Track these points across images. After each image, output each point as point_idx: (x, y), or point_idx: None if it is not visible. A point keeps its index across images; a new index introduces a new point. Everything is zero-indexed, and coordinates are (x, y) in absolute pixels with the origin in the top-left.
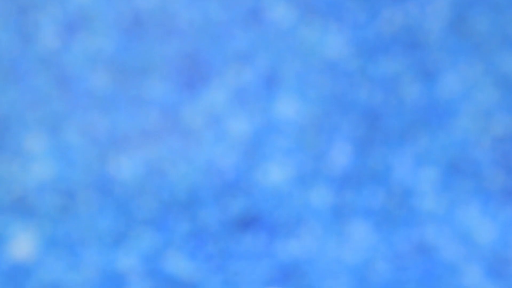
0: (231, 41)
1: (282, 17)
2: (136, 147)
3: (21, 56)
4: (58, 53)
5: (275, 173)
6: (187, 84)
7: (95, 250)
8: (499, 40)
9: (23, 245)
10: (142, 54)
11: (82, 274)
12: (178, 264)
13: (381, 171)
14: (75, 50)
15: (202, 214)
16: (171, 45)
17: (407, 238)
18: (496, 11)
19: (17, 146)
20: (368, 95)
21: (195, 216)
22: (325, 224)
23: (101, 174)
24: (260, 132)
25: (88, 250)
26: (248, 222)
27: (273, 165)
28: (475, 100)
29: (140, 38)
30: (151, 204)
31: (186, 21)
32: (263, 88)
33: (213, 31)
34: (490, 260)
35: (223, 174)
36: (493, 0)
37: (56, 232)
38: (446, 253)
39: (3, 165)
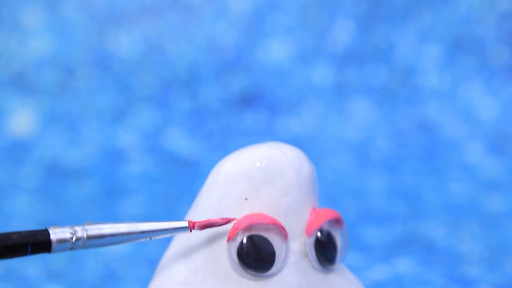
0: None
1: None
2: (135, 23)
3: None
4: None
5: (276, 51)
6: None
7: (94, 126)
8: None
9: (22, 121)
10: None
11: (81, 150)
12: (178, 141)
13: (384, 48)
14: None
15: (202, 92)
16: None
17: (409, 116)
18: None
19: (15, 21)
20: None
21: (195, 94)
22: (326, 102)
23: (100, 50)
24: (261, 9)
25: (88, 126)
26: (248, 100)
27: (274, 43)
28: None
29: None
30: (151, 81)
31: None
32: None
33: None
34: (492, 137)
35: (224, 51)
36: None
37: (55, 108)
38: (448, 130)
39: (1, 40)
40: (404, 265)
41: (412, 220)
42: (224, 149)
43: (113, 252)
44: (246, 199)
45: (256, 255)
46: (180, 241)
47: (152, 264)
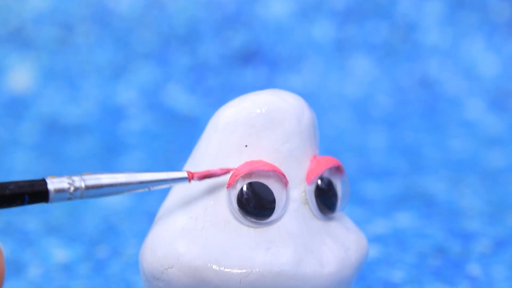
0: None
1: None
2: None
3: None
4: None
5: (277, 6)
6: None
7: (94, 83)
8: None
9: (21, 77)
10: None
11: (81, 107)
12: (178, 97)
13: (385, 5)
14: None
15: (202, 48)
16: None
17: (410, 72)
18: None
19: None
20: None
21: (195, 50)
22: (327, 59)
23: (99, 6)
24: None
25: (87, 82)
26: (249, 56)
27: None
28: None
29: None
30: (150, 37)
31: None
32: None
33: None
34: (493, 93)
35: (224, 7)
36: None
37: (54, 64)
38: (449, 87)
39: None
40: (404, 219)
41: (413, 175)
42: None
43: (112, 207)
44: (246, 146)
45: (256, 202)
46: (180, 189)
47: (151, 218)
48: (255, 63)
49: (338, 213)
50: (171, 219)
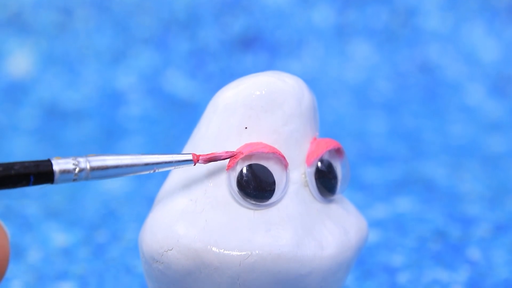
0: None
1: None
2: None
3: None
4: None
5: None
6: None
7: (93, 68)
8: None
9: (20, 62)
10: None
11: (80, 92)
12: (178, 83)
13: None
14: None
15: (202, 33)
16: None
17: (410, 57)
18: None
19: None
20: None
21: (195, 35)
22: (327, 44)
23: None
24: None
25: (87, 67)
26: (249, 42)
27: None
28: None
29: None
30: (150, 22)
31: None
32: None
33: None
34: (493, 78)
35: None
36: None
37: (53, 49)
38: (449, 72)
39: None
40: (404, 204)
41: (413, 160)
42: None
43: (112, 191)
44: (246, 128)
45: (256, 184)
46: (180, 171)
47: (151, 203)
48: (255, 48)
49: (338, 195)
50: (170, 202)
